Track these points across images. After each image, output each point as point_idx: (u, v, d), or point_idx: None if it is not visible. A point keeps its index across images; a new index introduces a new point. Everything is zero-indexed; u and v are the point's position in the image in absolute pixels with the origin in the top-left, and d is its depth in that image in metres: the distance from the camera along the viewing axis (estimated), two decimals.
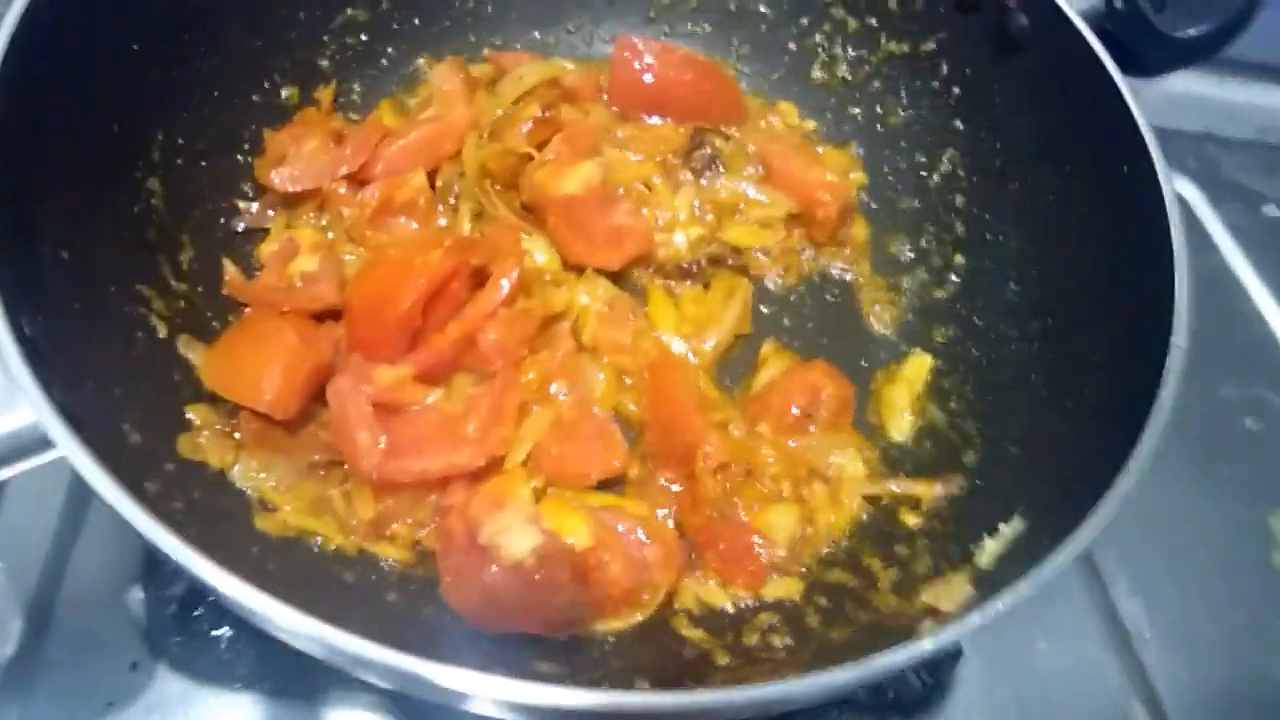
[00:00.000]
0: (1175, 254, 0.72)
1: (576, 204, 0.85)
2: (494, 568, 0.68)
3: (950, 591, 0.66)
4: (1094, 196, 0.82)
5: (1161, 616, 0.93)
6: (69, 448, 0.53)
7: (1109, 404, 0.70)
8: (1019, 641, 0.90)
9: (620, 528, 0.74)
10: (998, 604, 0.59)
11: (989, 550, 0.69)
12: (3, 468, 0.56)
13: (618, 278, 0.89)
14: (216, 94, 0.86)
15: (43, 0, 0.67)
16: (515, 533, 0.69)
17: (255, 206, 0.87)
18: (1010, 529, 0.70)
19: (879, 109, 1.01)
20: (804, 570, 0.77)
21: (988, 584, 0.65)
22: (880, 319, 0.94)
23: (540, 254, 0.88)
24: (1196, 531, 0.98)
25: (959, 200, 0.95)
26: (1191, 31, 0.87)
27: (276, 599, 0.53)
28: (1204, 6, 0.87)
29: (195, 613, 0.78)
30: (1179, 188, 1.26)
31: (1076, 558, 0.60)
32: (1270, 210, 1.27)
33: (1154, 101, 1.12)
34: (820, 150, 1.01)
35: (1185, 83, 1.38)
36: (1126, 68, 0.91)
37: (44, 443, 0.55)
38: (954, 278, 0.93)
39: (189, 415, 0.72)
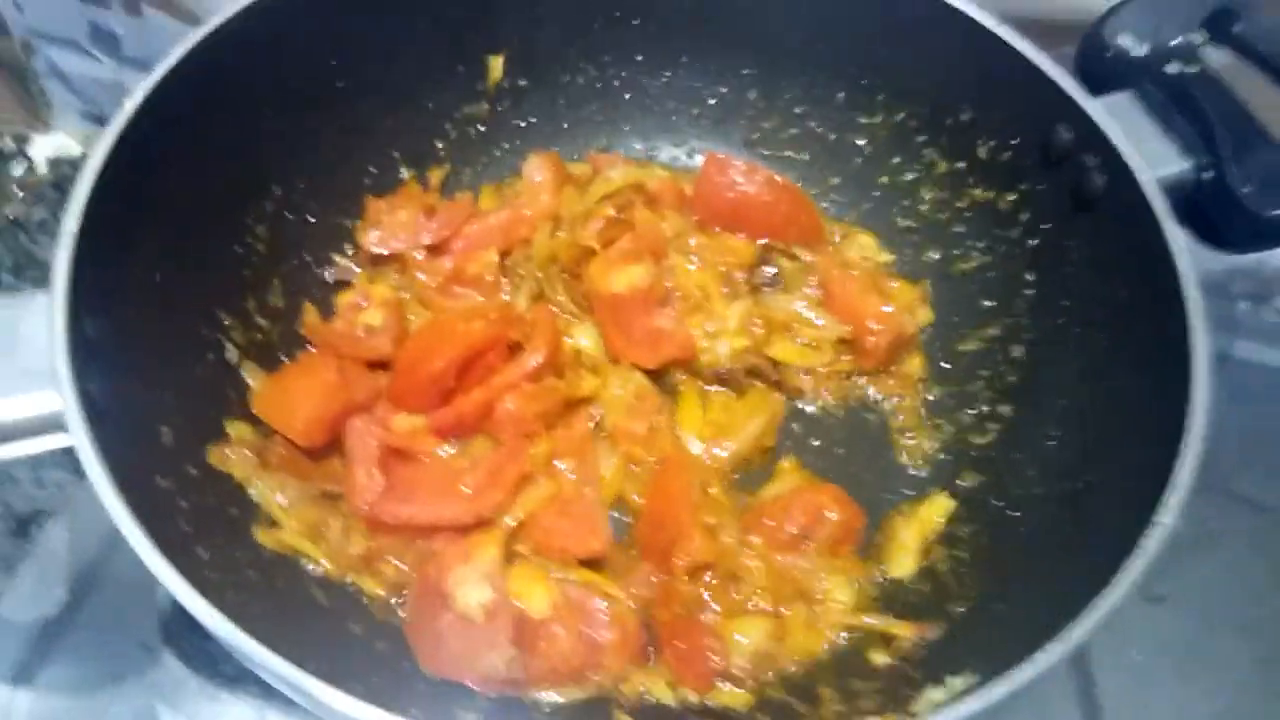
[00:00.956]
0: (1182, 457, 0.67)
1: (621, 302, 0.90)
2: (447, 614, 0.73)
3: None
4: (1135, 373, 0.79)
5: None
6: (78, 437, 0.62)
7: (1083, 587, 0.66)
8: None
9: (585, 606, 0.77)
10: None
11: (928, 698, 0.66)
12: (23, 442, 0.65)
13: (657, 374, 0.93)
14: (337, 162, 0.99)
15: (199, 59, 0.82)
16: (470, 586, 0.73)
17: (346, 261, 0.98)
18: (961, 682, 0.67)
19: (956, 251, 1.01)
20: (756, 685, 0.76)
21: None
22: (912, 455, 0.93)
23: (586, 339, 0.94)
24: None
25: (1017, 351, 0.93)
26: (1277, 211, 0.83)
27: (214, 607, 0.59)
28: None
29: None
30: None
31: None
32: None
33: None
34: (893, 284, 1.02)
35: None
36: (1211, 240, 0.89)
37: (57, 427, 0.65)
38: (995, 426, 0.91)
39: (228, 429, 0.81)
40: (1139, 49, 0.93)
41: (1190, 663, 0.94)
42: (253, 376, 0.86)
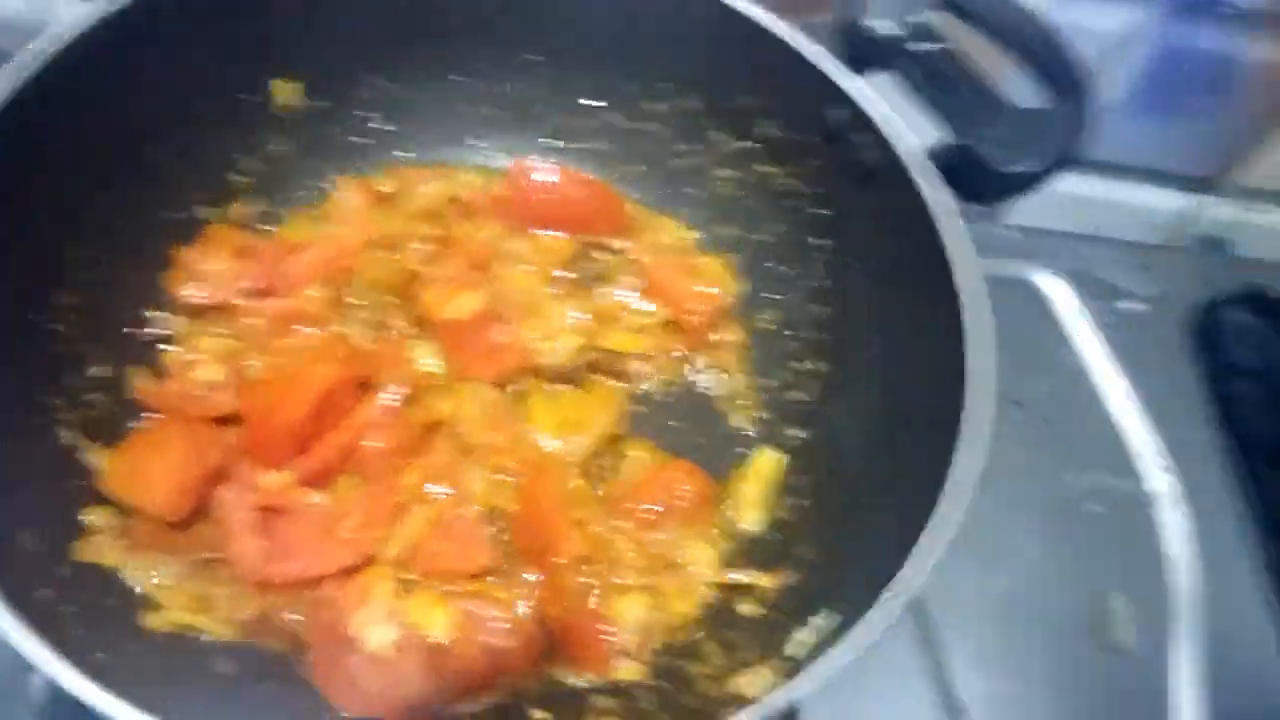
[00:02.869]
0: (968, 388, 0.79)
1: (460, 326, 0.94)
2: (356, 658, 0.76)
3: (757, 680, 0.74)
4: (923, 320, 0.91)
5: (995, 690, 1.01)
6: None
7: (912, 519, 0.78)
8: (853, 706, 0.97)
9: (482, 616, 0.82)
10: (794, 692, 0.67)
11: (798, 640, 0.77)
12: None
13: (501, 383, 0.97)
14: (131, 214, 0.95)
15: None
16: (375, 626, 0.77)
17: (165, 316, 0.95)
18: (822, 621, 0.78)
19: (753, 224, 1.10)
20: (647, 655, 0.85)
21: (791, 671, 0.73)
22: (744, 418, 1.02)
23: (429, 360, 0.97)
24: (1037, 611, 1.07)
25: (824, 312, 1.04)
26: (1016, 167, 0.96)
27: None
28: (1029, 146, 0.96)
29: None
30: (1048, 287, 1.37)
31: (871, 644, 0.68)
32: (1137, 308, 1.37)
33: (1031, 202, 1.23)
34: (700, 259, 1.10)
35: (1063, 185, 1.48)
36: (968, 196, 1.02)
37: None
38: (814, 382, 1.02)
39: (86, 518, 0.79)
40: (886, 29, 1.03)
41: (983, 546, 1.11)
42: (96, 456, 0.83)
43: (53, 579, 0.72)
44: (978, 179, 0.99)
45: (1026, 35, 1.04)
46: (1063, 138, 0.97)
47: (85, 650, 0.67)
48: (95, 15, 0.87)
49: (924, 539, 0.71)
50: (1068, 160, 0.99)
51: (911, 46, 1.02)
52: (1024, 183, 0.98)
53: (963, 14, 1.05)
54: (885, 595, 0.68)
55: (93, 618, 0.72)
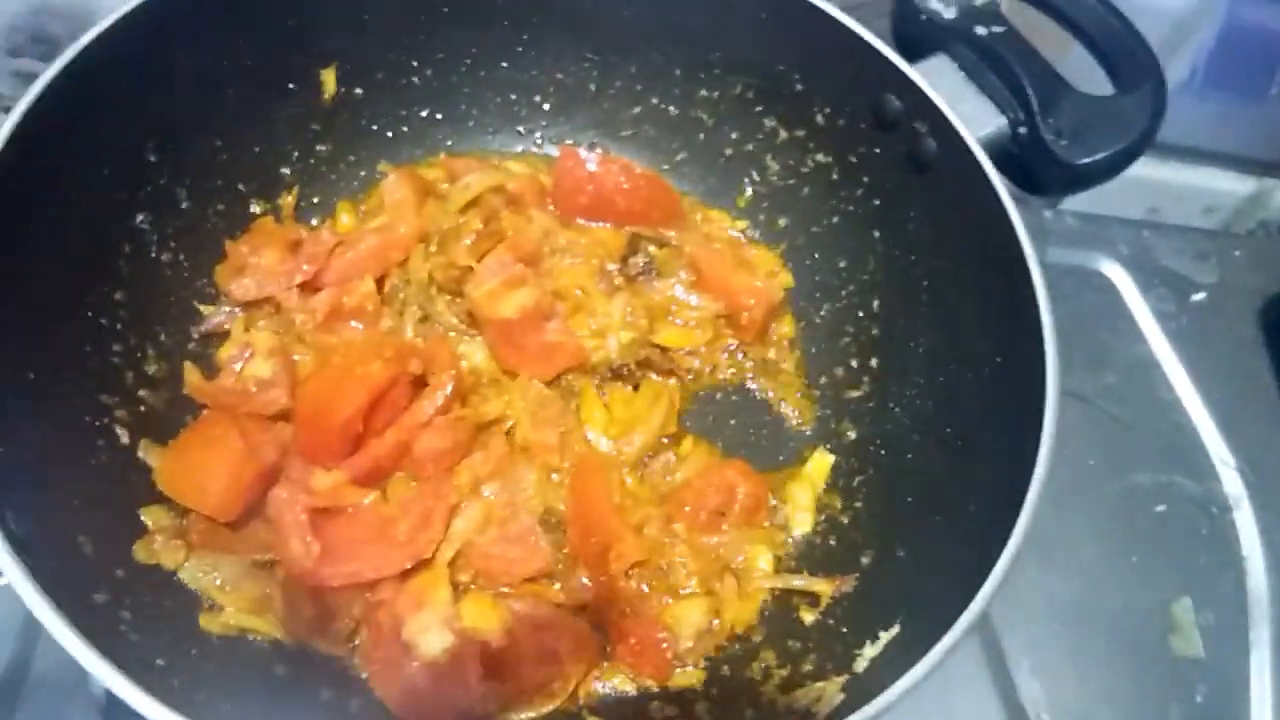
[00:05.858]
0: (1048, 393, 0.77)
1: (511, 324, 0.92)
2: (413, 663, 0.75)
3: (824, 696, 0.72)
4: (987, 315, 0.89)
5: (1060, 700, 0.98)
6: (19, 583, 0.60)
7: (982, 526, 0.76)
8: (915, 713, 0.95)
9: (536, 620, 0.81)
10: (866, 711, 0.65)
11: (866, 655, 0.75)
12: None
13: (552, 379, 0.96)
14: (184, 207, 0.94)
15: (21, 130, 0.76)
16: (432, 633, 0.76)
17: (215, 311, 0.95)
18: (888, 635, 0.76)
19: (806, 215, 1.07)
20: (706, 662, 0.84)
21: (856, 688, 0.72)
22: (797, 416, 1.00)
23: (479, 355, 0.95)
24: (1101, 616, 1.04)
25: (876, 304, 1.02)
26: (1088, 159, 0.93)
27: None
28: (1100, 137, 0.93)
29: None
30: (1110, 274, 1.34)
31: (948, 654, 0.67)
32: (1198, 297, 1.33)
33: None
34: (751, 252, 1.08)
35: None
36: (1029, 188, 0.99)
37: None
38: (867, 379, 1.00)
39: (145, 518, 0.79)
40: (948, 12, 1.00)
41: (1045, 548, 1.08)
42: (151, 455, 0.83)
43: (110, 582, 0.72)
44: (1043, 170, 0.96)
45: (1092, 17, 1.00)
46: (1136, 128, 0.94)
47: (143, 656, 0.68)
48: (142, 6, 0.85)
49: (1003, 556, 0.68)
50: (1140, 151, 0.96)
51: (970, 30, 0.99)
52: (1094, 175, 0.95)
53: None
54: (964, 618, 0.66)
55: (151, 621, 0.72)
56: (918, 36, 1.01)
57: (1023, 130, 0.95)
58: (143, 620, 0.71)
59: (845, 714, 0.65)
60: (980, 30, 0.98)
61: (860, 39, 0.96)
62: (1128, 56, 0.98)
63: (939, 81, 0.94)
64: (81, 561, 0.71)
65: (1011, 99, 0.95)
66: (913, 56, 0.97)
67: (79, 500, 0.74)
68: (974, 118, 0.93)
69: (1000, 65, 0.96)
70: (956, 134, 0.91)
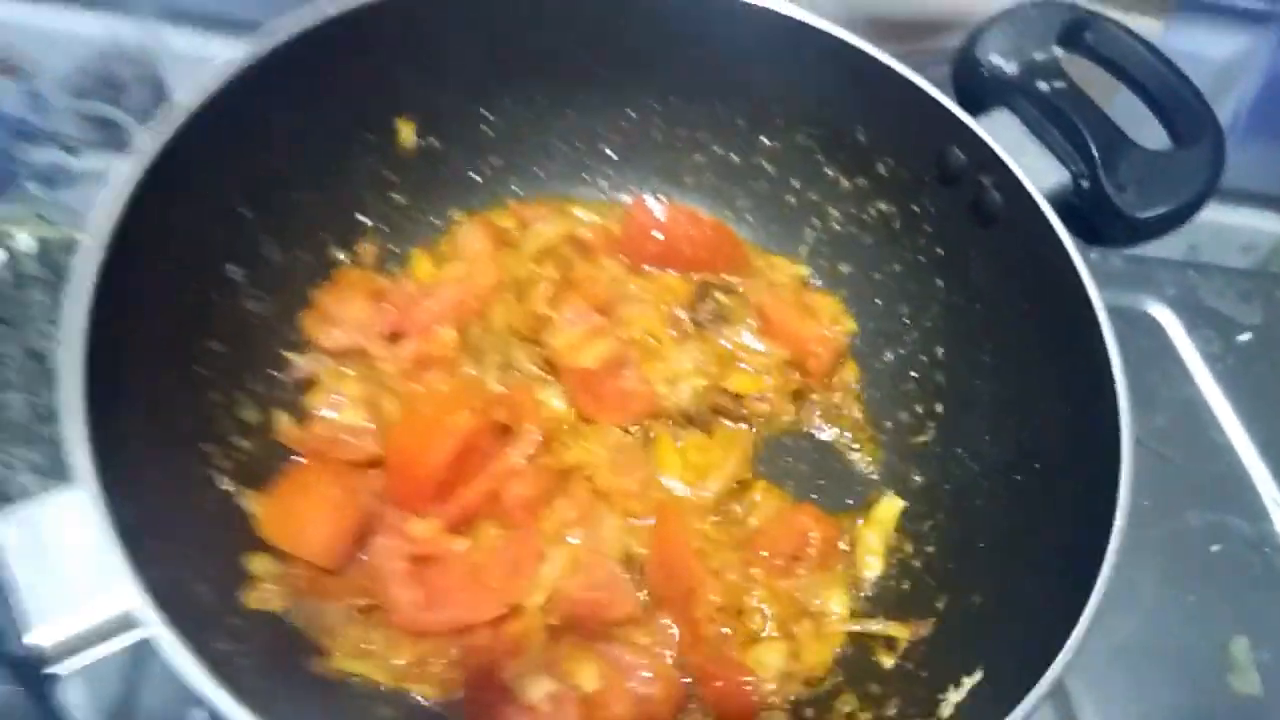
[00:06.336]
0: (1123, 441, 0.79)
1: (591, 374, 0.95)
2: (511, 708, 0.78)
3: None
4: (1055, 364, 0.91)
5: None
6: (161, 634, 0.63)
7: (1060, 571, 0.79)
8: None
9: (627, 665, 0.84)
10: None
11: (951, 701, 0.78)
12: (92, 649, 0.65)
13: (627, 425, 0.99)
14: (272, 257, 0.97)
15: (137, 193, 0.79)
16: (530, 679, 0.78)
17: (303, 359, 0.97)
18: (971, 680, 0.78)
19: (868, 262, 1.10)
20: (788, 705, 0.86)
21: None
22: (864, 460, 1.03)
23: (558, 402, 0.98)
24: (1160, 654, 1.06)
25: (940, 352, 1.04)
26: (1151, 213, 0.96)
27: None
28: (1162, 191, 0.96)
29: None
30: (1157, 314, 1.36)
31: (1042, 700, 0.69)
32: (1243, 338, 1.36)
33: None
34: (814, 298, 1.11)
35: None
36: (1091, 240, 1.02)
37: (129, 624, 0.65)
38: (933, 425, 1.03)
39: (251, 567, 0.82)
40: (1009, 67, 1.03)
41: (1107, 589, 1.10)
42: (251, 502, 0.86)
43: (229, 630, 0.75)
44: (1106, 223, 0.99)
45: (1149, 72, 1.03)
46: (1197, 182, 0.97)
47: (269, 701, 0.70)
48: (243, 68, 0.89)
49: (1088, 606, 0.71)
50: (1201, 205, 0.98)
51: (1032, 84, 1.02)
52: (1156, 228, 0.98)
53: (1084, 51, 1.04)
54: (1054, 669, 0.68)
55: (267, 667, 0.74)
56: (978, 91, 1.04)
57: (1085, 184, 0.97)
58: (260, 666, 0.73)
59: None
60: (1042, 85, 1.01)
61: (924, 92, 0.99)
62: (1186, 112, 1.01)
63: (1002, 135, 0.97)
64: (201, 610, 0.73)
65: (1074, 153, 0.98)
66: (973, 110, 1.00)
67: (193, 549, 0.77)
68: (1037, 171, 0.96)
69: (1062, 120, 0.99)
70: (1022, 188, 0.94)
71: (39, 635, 0.64)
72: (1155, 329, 1.33)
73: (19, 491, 1.06)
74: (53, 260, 1.38)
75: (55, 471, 1.17)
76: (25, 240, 1.40)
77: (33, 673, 0.64)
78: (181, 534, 0.77)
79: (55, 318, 1.30)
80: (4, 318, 1.32)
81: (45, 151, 1.38)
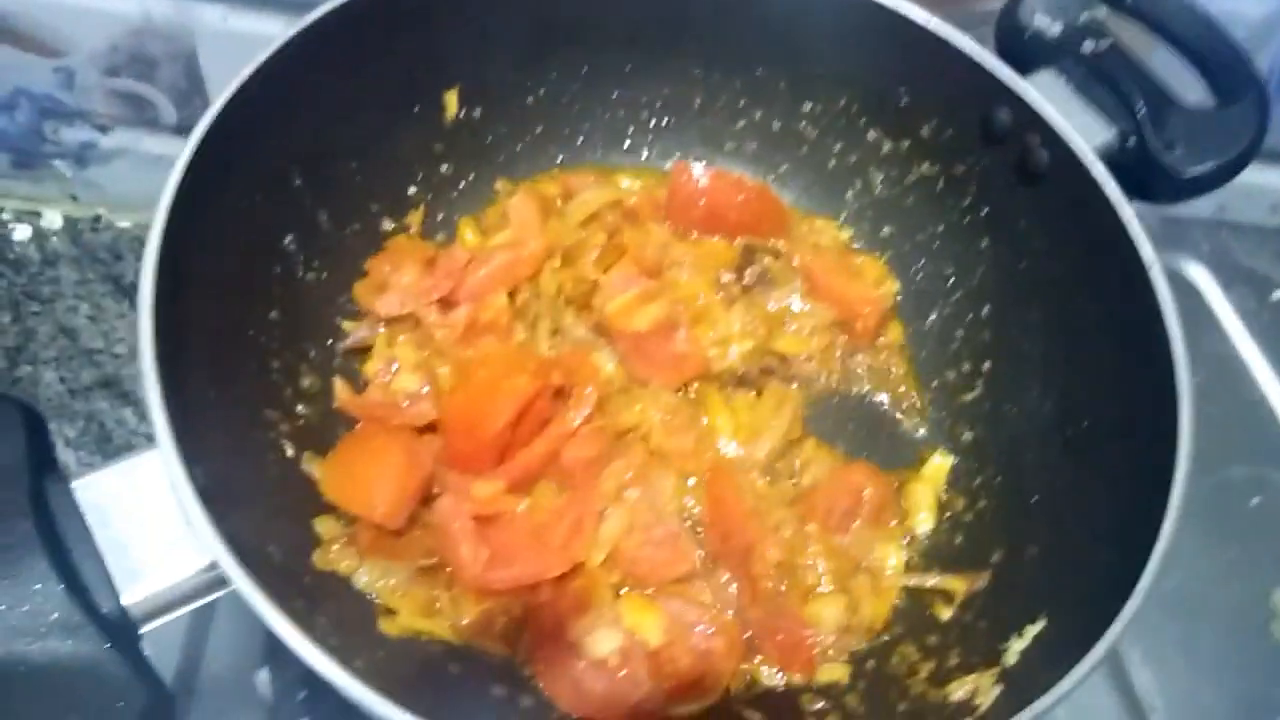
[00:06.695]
0: (1180, 394, 0.80)
1: (643, 337, 0.96)
2: (581, 663, 0.80)
3: (980, 688, 0.76)
4: (1106, 320, 0.92)
5: (1171, 686, 1.02)
6: (245, 588, 0.64)
7: (1118, 523, 0.80)
8: None
9: (689, 620, 0.85)
10: (1036, 707, 0.69)
11: (1014, 649, 0.79)
12: (181, 608, 0.67)
13: (679, 387, 1.00)
14: (325, 227, 0.98)
15: (193, 169, 0.80)
16: (598, 634, 0.80)
17: (357, 326, 0.99)
18: (1034, 629, 0.80)
19: (912, 224, 1.11)
20: (848, 657, 0.88)
21: (1013, 681, 0.75)
22: (911, 418, 1.04)
23: (609, 365, 0.99)
24: (1204, 606, 1.08)
25: (986, 310, 1.05)
26: (1197, 170, 0.96)
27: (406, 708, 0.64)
28: (1209, 149, 0.96)
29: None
30: (1192, 273, 1.37)
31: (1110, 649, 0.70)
32: (1277, 295, 1.36)
33: None
34: (858, 259, 1.12)
35: None
36: (1138, 196, 1.02)
37: (213, 583, 0.67)
38: (981, 382, 1.03)
39: (318, 528, 0.83)
40: (1053, 28, 1.03)
41: None
42: (311, 465, 0.87)
43: (302, 589, 0.76)
44: (1153, 180, 0.99)
45: (1193, 32, 1.03)
46: (1243, 139, 0.97)
47: (346, 658, 0.71)
48: (291, 41, 0.89)
49: (1153, 556, 0.72)
50: (1248, 161, 0.99)
51: (1077, 45, 1.02)
52: (1204, 185, 0.98)
53: (1126, 9, 1.04)
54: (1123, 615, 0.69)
55: (340, 626, 0.76)
56: (1022, 51, 1.04)
57: (1131, 142, 0.98)
58: (334, 625, 0.75)
59: (1013, 709, 0.68)
60: (1087, 44, 1.01)
61: (969, 55, 1.00)
62: (1229, 70, 1.01)
63: (1048, 94, 0.97)
64: (277, 570, 0.75)
65: (1120, 111, 0.98)
66: (1018, 71, 1.00)
67: (261, 512, 0.78)
68: (1084, 129, 0.96)
69: (1108, 79, 0.99)
70: (1071, 146, 0.95)
71: (129, 595, 0.65)
72: (1190, 288, 1.34)
73: None
74: (82, 238, 1.39)
75: (87, 445, 1.19)
76: (54, 218, 1.41)
77: (125, 632, 0.65)
78: (250, 497, 0.78)
79: (85, 295, 1.33)
80: (34, 295, 1.33)
81: (76, 130, 1.38)
